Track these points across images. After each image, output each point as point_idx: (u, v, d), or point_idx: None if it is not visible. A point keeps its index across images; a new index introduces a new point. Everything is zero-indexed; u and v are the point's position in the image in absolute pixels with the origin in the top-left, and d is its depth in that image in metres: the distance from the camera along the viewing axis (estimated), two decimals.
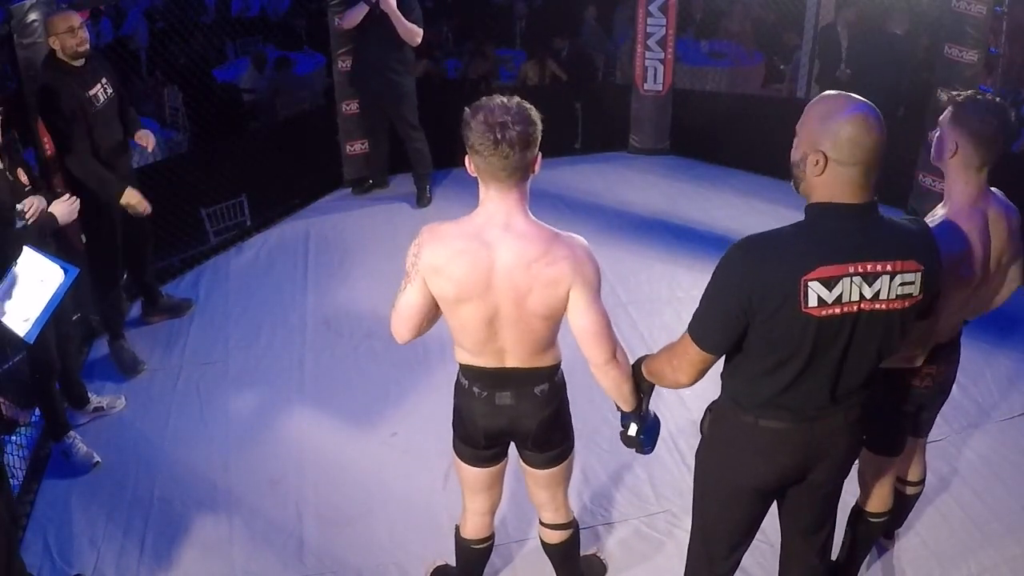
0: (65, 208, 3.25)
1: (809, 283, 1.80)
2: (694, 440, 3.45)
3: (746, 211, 5.47)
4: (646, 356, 2.25)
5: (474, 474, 2.45)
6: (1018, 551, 3.02)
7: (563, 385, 2.35)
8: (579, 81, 7.21)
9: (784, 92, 7.30)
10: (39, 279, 2.92)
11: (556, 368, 2.30)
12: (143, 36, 8.34)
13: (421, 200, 5.63)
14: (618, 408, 2.33)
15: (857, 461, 2.58)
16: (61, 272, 2.92)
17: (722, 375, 2.10)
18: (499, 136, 1.95)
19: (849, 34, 6.91)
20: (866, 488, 2.66)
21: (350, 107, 5.77)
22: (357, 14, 5.22)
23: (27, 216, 3.14)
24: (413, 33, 5.25)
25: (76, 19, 3.69)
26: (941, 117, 2.25)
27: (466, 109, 2.02)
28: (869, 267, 1.81)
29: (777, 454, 2.04)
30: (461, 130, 2.01)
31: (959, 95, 2.25)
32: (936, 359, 2.43)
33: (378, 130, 5.68)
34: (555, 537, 2.60)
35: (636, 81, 6.38)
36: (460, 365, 2.31)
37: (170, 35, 6.74)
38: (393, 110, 5.50)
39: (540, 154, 2.06)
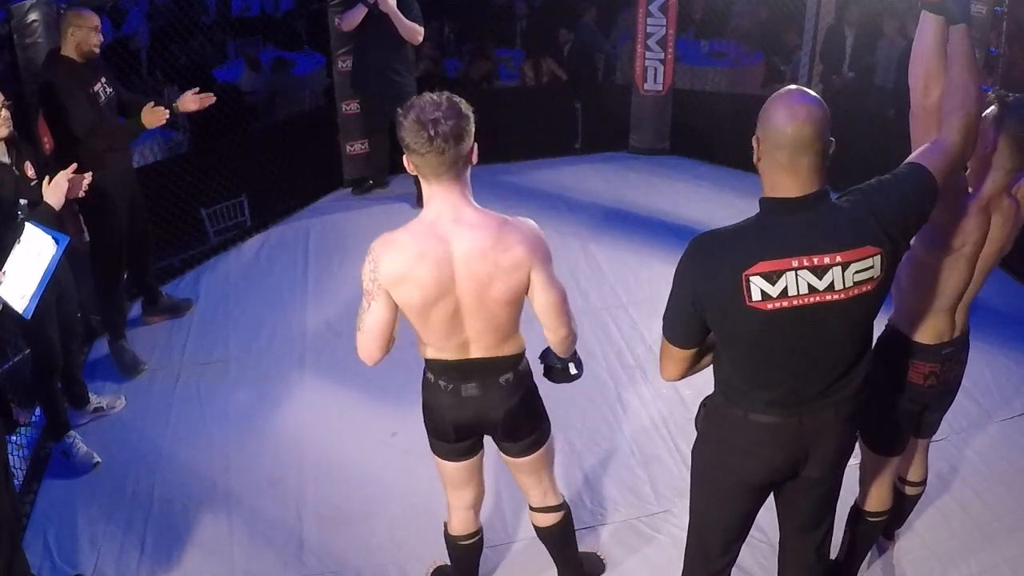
0: (54, 192, 3.17)
1: (750, 278, 1.83)
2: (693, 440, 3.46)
3: (746, 211, 5.40)
4: None
5: (451, 469, 2.47)
6: (1018, 551, 3.02)
7: (528, 374, 2.37)
8: (579, 81, 7.21)
9: None
10: (36, 253, 2.91)
11: (520, 357, 2.32)
12: (144, 36, 8.34)
13: (421, 200, 5.57)
14: (549, 356, 2.40)
15: (858, 459, 2.58)
16: (53, 243, 2.91)
17: (713, 369, 2.11)
18: (432, 133, 1.98)
19: (855, 35, 6.90)
20: (865, 487, 2.66)
21: (350, 107, 5.77)
22: (356, 15, 5.22)
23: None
24: (414, 32, 5.25)
25: (97, 19, 3.76)
26: (986, 112, 2.22)
27: (398, 110, 2.06)
28: (816, 260, 1.83)
29: (766, 448, 2.05)
30: (396, 131, 2.05)
31: (1008, 96, 2.26)
32: (942, 358, 2.42)
33: (378, 130, 5.68)
34: (546, 520, 2.61)
35: (636, 81, 6.38)
36: (425, 360, 2.33)
37: (170, 35, 6.75)
38: (393, 110, 5.47)
39: (476, 145, 2.09)
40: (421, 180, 2.11)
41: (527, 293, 2.16)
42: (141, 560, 3.09)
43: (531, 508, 2.62)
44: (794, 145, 1.80)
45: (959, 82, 1.99)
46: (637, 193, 5.89)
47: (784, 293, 1.83)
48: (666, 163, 6.40)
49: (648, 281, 4.76)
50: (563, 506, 2.62)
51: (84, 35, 3.70)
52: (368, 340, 2.20)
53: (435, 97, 2.03)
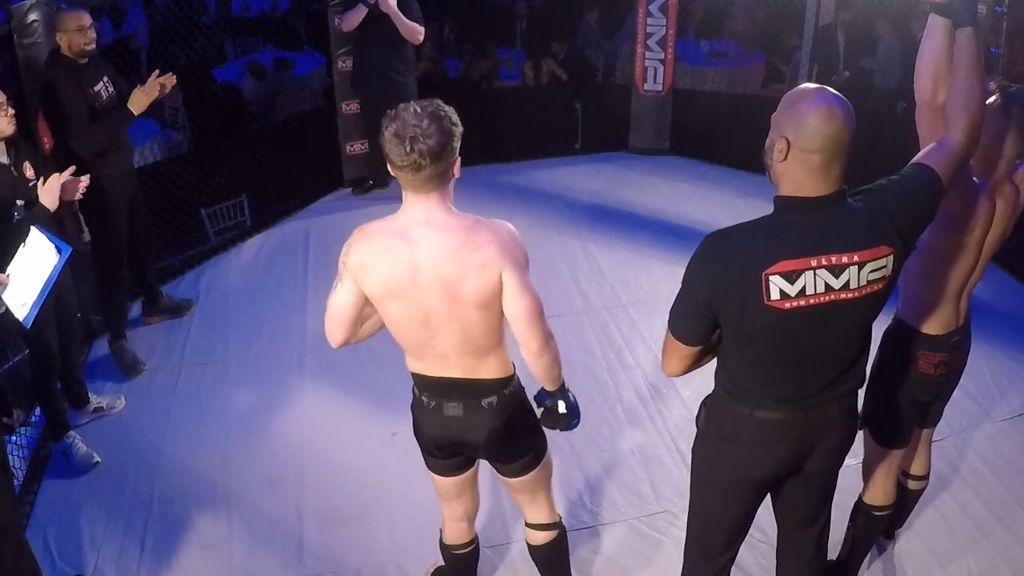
0: (48, 194, 3.18)
1: (770, 277, 1.82)
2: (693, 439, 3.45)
3: (746, 211, 5.39)
4: None
5: (441, 482, 2.45)
6: (1018, 551, 3.02)
7: (516, 398, 2.29)
8: (579, 81, 7.21)
9: (784, 92, 7.29)
10: (38, 260, 2.90)
11: (506, 381, 2.25)
12: (143, 36, 8.35)
13: None
14: (542, 392, 2.32)
15: (856, 459, 2.59)
16: (55, 252, 2.90)
17: (715, 368, 2.11)
18: (408, 149, 1.94)
19: (846, 35, 6.91)
20: (869, 482, 2.67)
21: (350, 107, 5.77)
22: (356, 16, 5.23)
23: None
24: (414, 32, 5.25)
25: (86, 18, 3.75)
26: (988, 101, 2.25)
27: (388, 113, 2.01)
28: (834, 259, 1.83)
29: (774, 444, 2.05)
30: (379, 138, 2.01)
31: (1010, 86, 2.30)
32: (950, 347, 2.45)
33: (378, 130, 5.62)
34: (539, 538, 2.56)
35: (636, 81, 6.38)
36: (411, 374, 2.29)
37: (170, 35, 6.75)
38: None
39: (459, 159, 2.04)
40: (400, 185, 2.08)
41: (500, 299, 2.08)
42: (141, 560, 3.09)
43: (526, 524, 2.58)
44: (831, 149, 1.79)
45: (965, 83, 2.00)
46: (637, 193, 5.89)
47: (802, 292, 1.84)
48: (666, 163, 6.40)
49: (648, 281, 4.76)
50: (558, 525, 2.57)
51: (71, 37, 3.69)
52: (329, 321, 2.21)
53: (419, 109, 1.96)
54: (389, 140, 1.97)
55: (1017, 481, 3.34)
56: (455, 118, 2.00)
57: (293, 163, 5.68)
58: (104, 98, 3.84)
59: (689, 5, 7.46)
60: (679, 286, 1.97)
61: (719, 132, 6.17)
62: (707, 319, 1.93)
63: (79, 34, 3.70)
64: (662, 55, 6.24)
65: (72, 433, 3.54)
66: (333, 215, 5.64)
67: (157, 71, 3.96)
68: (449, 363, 2.19)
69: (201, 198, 5.23)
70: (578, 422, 2.38)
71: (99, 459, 3.52)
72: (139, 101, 3.82)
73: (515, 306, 2.09)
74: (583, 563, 2.98)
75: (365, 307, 2.20)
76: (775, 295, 1.83)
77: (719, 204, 5.63)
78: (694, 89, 6.85)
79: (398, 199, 2.14)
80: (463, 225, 2.06)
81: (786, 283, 1.82)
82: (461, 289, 2.05)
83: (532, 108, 6.60)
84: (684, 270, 1.94)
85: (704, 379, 2.15)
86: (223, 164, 5.40)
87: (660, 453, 3.53)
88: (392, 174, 2.05)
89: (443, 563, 2.88)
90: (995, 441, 3.55)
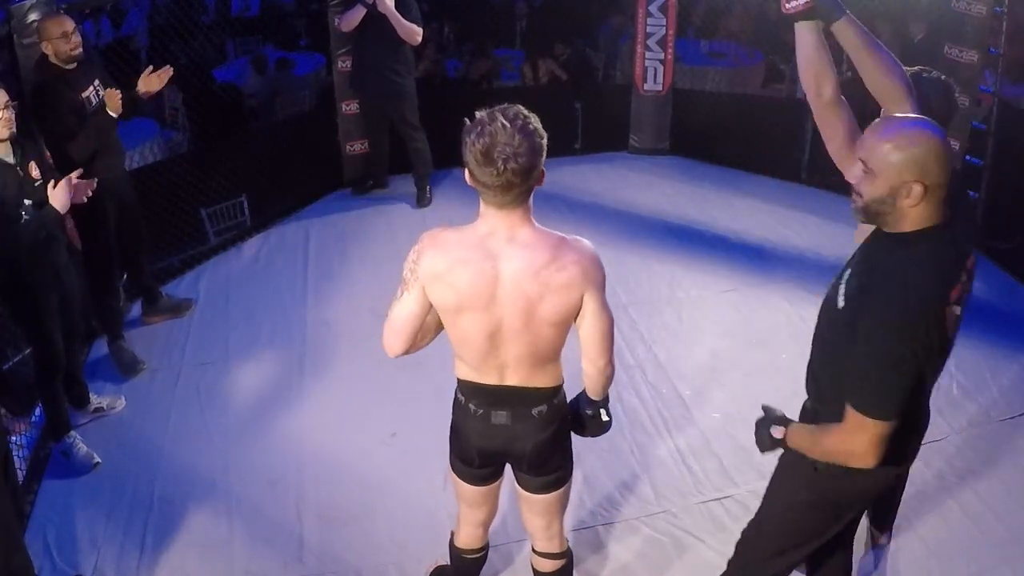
0: (60, 196, 3.18)
1: (947, 309, 1.83)
2: (694, 441, 3.45)
3: (746, 211, 5.46)
4: (797, 426, 2.11)
5: (468, 490, 2.43)
6: (1018, 551, 3.02)
7: (563, 407, 2.29)
8: (579, 81, 7.21)
9: (784, 92, 7.29)
10: None
11: (557, 390, 2.25)
12: (143, 36, 8.34)
13: (421, 200, 5.63)
14: (584, 399, 2.32)
15: None
16: None
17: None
18: (500, 169, 1.88)
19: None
20: None
21: (350, 107, 5.77)
22: (355, 16, 5.23)
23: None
24: (412, 32, 5.25)
25: (69, 24, 3.68)
26: None
27: (467, 123, 1.93)
28: (968, 263, 1.88)
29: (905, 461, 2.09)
30: (462, 147, 1.93)
31: (925, 70, 2.35)
32: None
33: (378, 130, 5.68)
34: (547, 566, 2.54)
35: (636, 81, 6.38)
36: (458, 380, 2.27)
37: (170, 35, 6.75)
38: (393, 110, 5.50)
39: (544, 170, 1.98)
40: (479, 194, 2.01)
41: (576, 317, 2.08)
42: (141, 560, 3.09)
43: (533, 551, 2.56)
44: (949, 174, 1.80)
45: (871, 61, 2.06)
46: (637, 193, 5.89)
47: (957, 301, 1.86)
48: (666, 163, 6.40)
49: (648, 281, 4.76)
50: (566, 554, 2.55)
51: (56, 45, 3.64)
52: (391, 330, 2.15)
53: (507, 124, 1.87)
54: (476, 157, 1.89)
55: (1017, 481, 3.34)
56: (541, 129, 1.94)
57: (293, 163, 5.68)
58: (94, 103, 3.79)
59: (689, 5, 7.45)
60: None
61: (719, 132, 6.17)
62: (915, 373, 1.82)
63: (63, 41, 3.64)
64: (662, 55, 6.24)
65: (72, 433, 3.54)
66: (333, 215, 5.64)
67: (151, 67, 3.93)
68: (507, 373, 2.16)
69: (201, 198, 5.23)
70: (609, 429, 2.40)
71: (99, 459, 3.52)
72: (113, 103, 3.73)
73: (592, 327, 2.09)
74: (583, 564, 2.98)
75: (427, 316, 2.16)
76: (951, 320, 1.85)
77: (719, 204, 5.64)
78: (694, 89, 6.84)
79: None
80: (549, 243, 2.03)
81: (956, 306, 1.85)
82: (540, 306, 2.03)
83: (532, 108, 6.50)
84: (879, 334, 1.80)
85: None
86: (223, 164, 5.39)
87: (660, 453, 3.52)
88: (470, 185, 1.98)
89: (443, 562, 2.88)
90: (995, 441, 3.55)
